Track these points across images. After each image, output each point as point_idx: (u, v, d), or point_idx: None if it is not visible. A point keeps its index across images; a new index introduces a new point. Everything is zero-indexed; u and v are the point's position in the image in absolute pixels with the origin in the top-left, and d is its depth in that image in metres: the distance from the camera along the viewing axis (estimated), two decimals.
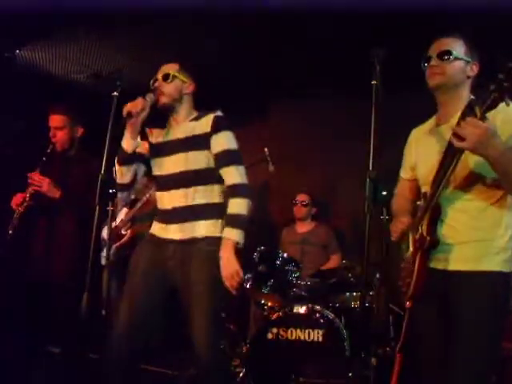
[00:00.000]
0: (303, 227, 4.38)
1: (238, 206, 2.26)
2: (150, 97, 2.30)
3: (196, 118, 2.40)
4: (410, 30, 3.30)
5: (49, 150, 3.06)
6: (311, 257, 4.11)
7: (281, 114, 5.03)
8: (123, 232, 3.89)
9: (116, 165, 2.33)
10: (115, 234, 3.90)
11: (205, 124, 2.33)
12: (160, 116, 2.46)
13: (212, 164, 2.33)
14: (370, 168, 1.84)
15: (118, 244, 3.89)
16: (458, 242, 1.87)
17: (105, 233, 3.98)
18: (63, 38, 3.90)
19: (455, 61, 1.95)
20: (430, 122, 2.13)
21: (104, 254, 3.87)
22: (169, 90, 2.35)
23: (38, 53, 4.16)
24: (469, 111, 1.81)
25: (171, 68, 2.39)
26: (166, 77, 2.36)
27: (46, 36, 3.88)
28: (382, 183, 1.84)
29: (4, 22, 3.44)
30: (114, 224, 3.98)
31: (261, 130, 4.89)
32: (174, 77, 2.36)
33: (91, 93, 4.58)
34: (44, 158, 3.02)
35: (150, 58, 4.15)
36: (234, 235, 2.22)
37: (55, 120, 3.09)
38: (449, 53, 1.95)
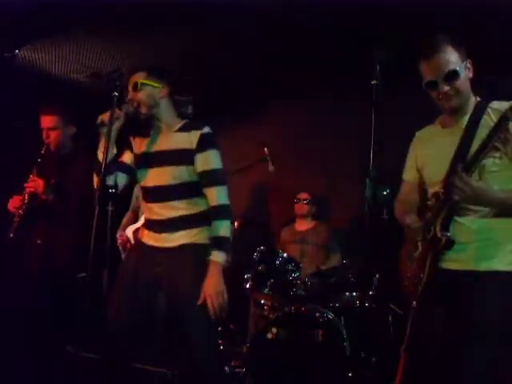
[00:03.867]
0: (303, 225, 4.38)
1: (223, 228, 2.27)
2: (125, 107, 2.28)
3: (182, 129, 2.37)
4: (410, 30, 3.30)
5: (43, 151, 3.06)
6: (310, 256, 4.11)
7: (281, 114, 5.02)
8: None
9: (94, 176, 2.30)
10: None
11: (191, 140, 2.31)
12: (142, 127, 2.43)
13: (196, 178, 2.33)
14: (370, 168, 1.84)
15: None
16: (471, 242, 1.86)
17: (129, 233, 3.99)
18: (63, 38, 3.90)
19: (461, 75, 1.89)
20: (435, 125, 2.11)
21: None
22: (141, 98, 2.31)
23: (37, 53, 4.16)
24: (478, 114, 1.87)
25: (138, 76, 2.34)
26: (134, 86, 2.32)
27: (46, 36, 3.88)
28: (382, 183, 1.84)
29: (4, 22, 3.44)
30: (139, 224, 3.98)
31: (261, 129, 4.89)
32: (143, 84, 2.31)
33: (90, 92, 4.59)
34: (39, 160, 3.03)
35: (150, 57, 4.18)
36: (221, 258, 2.24)
37: (46, 121, 3.10)
38: (456, 74, 1.88)
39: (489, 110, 1.92)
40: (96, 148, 2.33)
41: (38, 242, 3.05)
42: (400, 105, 3.73)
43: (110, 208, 3.89)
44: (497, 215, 1.84)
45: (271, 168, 4.15)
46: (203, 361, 2.21)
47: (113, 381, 2.27)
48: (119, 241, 3.99)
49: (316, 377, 3.09)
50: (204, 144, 2.30)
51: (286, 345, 3.20)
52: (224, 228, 2.28)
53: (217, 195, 2.31)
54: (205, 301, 2.19)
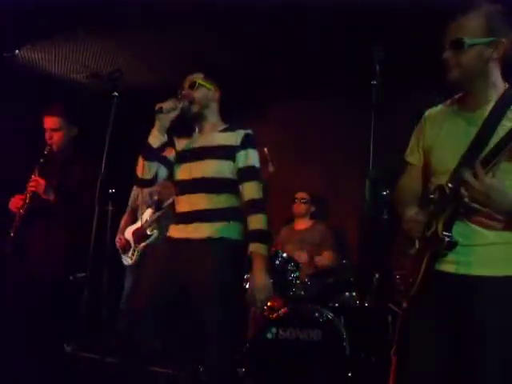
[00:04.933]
0: (301, 225, 4.39)
1: (261, 221, 2.34)
2: (183, 101, 2.37)
3: (226, 130, 2.47)
4: (411, 30, 3.31)
5: (46, 152, 3.06)
6: (309, 256, 4.11)
7: (280, 114, 5.02)
8: (148, 232, 3.91)
9: (140, 159, 2.35)
10: (140, 235, 3.93)
11: (236, 137, 2.41)
12: (186, 127, 2.51)
13: (233, 175, 2.39)
14: (370, 168, 1.82)
15: (143, 244, 3.91)
16: (475, 244, 1.69)
17: (128, 234, 4.00)
18: (63, 38, 3.90)
19: (470, 48, 1.68)
20: (451, 106, 1.87)
21: (129, 254, 3.92)
22: (196, 96, 2.42)
23: (37, 53, 4.16)
24: (505, 104, 1.68)
25: (196, 76, 2.48)
26: (192, 85, 2.44)
27: (46, 36, 3.89)
28: (381, 183, 1.82)
29: (4, 22, 3.44)
30: (138, 224, 4.00)
31: (261, 130, 4.88)
32: (200, 84, 2.45)
33: (90, 93, 4.59)
34: (41, 160, 3.03)
35: (150, 58, 4.18)
36: (263, 250, 2.30)
37: (50, 122, 3.10)
38: (460, 41, 1.68)
39: None
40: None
41: (39, 241, 3.05)
42: (400, 105, 3.73)
43: (110, 208, 3.92)
44: (506, 227, 1.66)
45: (271, 168, 4.15)
46: (217, 360, 2.20)
47: (120, 382, 2.26)
48: (118, 244, 3.99)
49: (316, 377, 3.10)
50: (247, 142, 2.42)
51: (286, 345, 3.20)
52: (263, 221, 2.34)
53: (255, 190, 2.38)
54: (226, 296, 2.22)
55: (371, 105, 1.89)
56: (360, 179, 2.02)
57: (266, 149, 4.14)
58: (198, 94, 2.43)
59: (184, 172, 2.44)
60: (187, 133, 2.53)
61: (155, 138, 2.33)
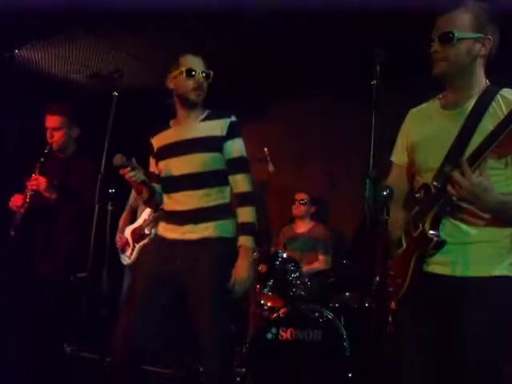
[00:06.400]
0: (302, 227, 4.39)
1: (250, 214, 2.33)
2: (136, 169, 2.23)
3: (207, 118, 2.39)
4: (411, 30, 3.30)
5: (46, 151, 3.06)
6: (307, 257, 4.11)
7: (280, 114, 5.03)
8: (146, 232, 3.92)
9: (144, 205, 2.32)
10: (139, 234, 3.93)
11: (220, 127, 2.34)
12: (159, 122, 2.45)
13: (222, 166, 2.35)
14: (370, 168, 1.82)
15: (141, 243, 3.91)
16: (460, 243, 1.68)
17: (127, 234, 4.01)
18: (63, 38, 3.90)
19: (459, 42, 1.69)
20: (434, 104, 1.89)
21: (127, 253, 3.94)
22: (205, 90, 2.38)
23: (37, 53, 4.16)
24: (486, 100, 1.68)
25: (203, 65, 2.38)
26: (208, 77, 2.38)
27: (46, 36, 3.88)
28: (382, 183, 1.82)
29: (4, 22, 3.44)
30: (137, 224, 4.00)
31: (261, 129, 4.89)
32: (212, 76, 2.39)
33: (90, 93, 4.59)
34: (42, 159, 3.03)
35: (150, 58, 4.18)
36: (249, 243, 2.30)
37: (52, 120, 3.10)
38: (450, 35, 1.68)
39: (498, 97, 1.70)
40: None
41: (39, 241, 3.05)
42: (400, 105, 3.72)
43: (109, 208, 3.91)
44: (490, 224, 1.66)
45: (271, 168, 4.15)
46: (216, 360, 2.20)
47: (120, 382, 2.26)
48: (118, 244, 4.00)
49: (316, 377, 3.09)
50: (233, 131, 2.36)
51: (286, 345, 3.20)
52: (252, 214, 2.33)
53: (245, 182, 2.36)
54: (224, 295, 2.23)
55: (371, 105, 1.88)
56: (360, 179, 2.02)
57: (266, 149, 4.14)
58: (206, 87, 2.37)
59: (170, 168, 2.36)
60: (162, 128, 2.46)
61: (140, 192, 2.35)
